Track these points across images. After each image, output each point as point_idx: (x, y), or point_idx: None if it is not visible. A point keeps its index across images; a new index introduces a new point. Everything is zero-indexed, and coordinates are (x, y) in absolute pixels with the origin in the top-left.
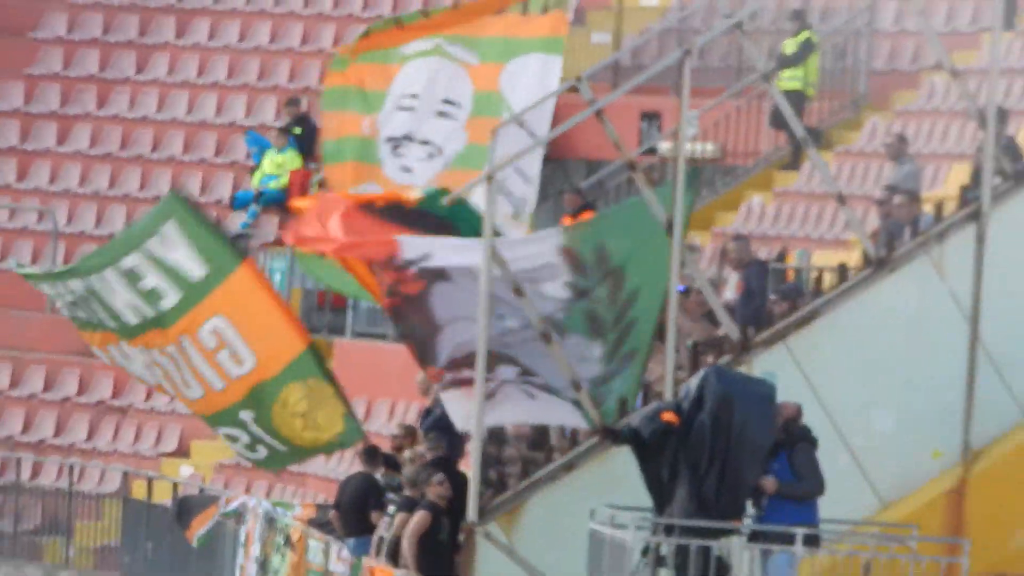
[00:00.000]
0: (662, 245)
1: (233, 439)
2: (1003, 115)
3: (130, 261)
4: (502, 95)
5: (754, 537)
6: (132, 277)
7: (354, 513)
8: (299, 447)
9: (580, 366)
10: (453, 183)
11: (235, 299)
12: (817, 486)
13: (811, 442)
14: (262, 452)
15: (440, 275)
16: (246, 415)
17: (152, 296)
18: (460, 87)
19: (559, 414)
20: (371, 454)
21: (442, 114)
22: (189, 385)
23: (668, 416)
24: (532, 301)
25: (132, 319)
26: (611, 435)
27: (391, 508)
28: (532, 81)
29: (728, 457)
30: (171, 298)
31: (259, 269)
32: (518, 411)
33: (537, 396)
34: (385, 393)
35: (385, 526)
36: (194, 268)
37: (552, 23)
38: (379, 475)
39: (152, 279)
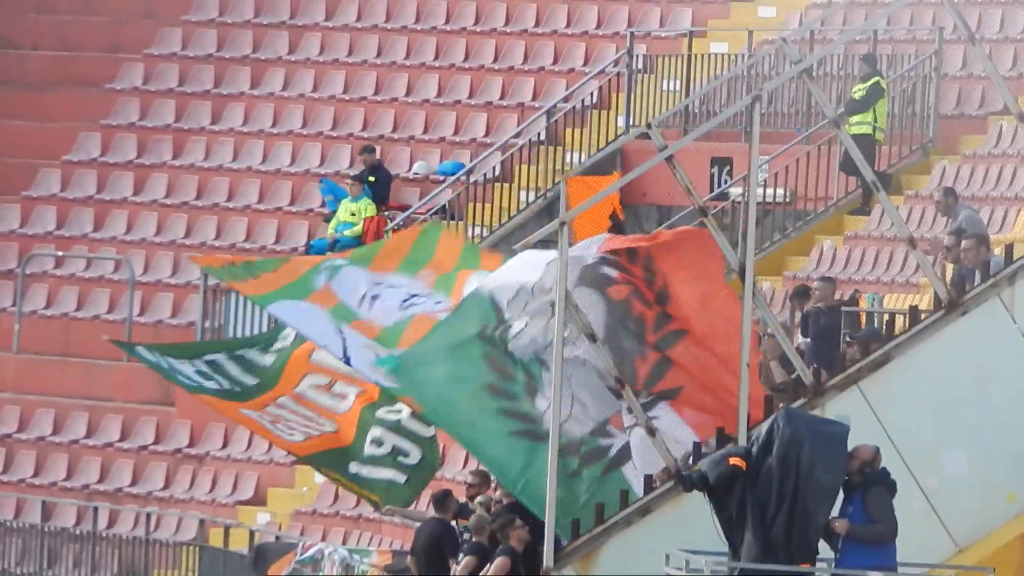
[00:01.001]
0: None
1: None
2: None
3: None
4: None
5: None
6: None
7: (428, 559)
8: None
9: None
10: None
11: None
12: (890, 529)
13: (887, 485)
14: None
15: None
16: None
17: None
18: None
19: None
20: (442, 499)
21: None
22: (320, 424)
23: (735, 460)
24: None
25: (250, 380)
26: (682, 480)
27: (460, 556)
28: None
29: (796, 498)
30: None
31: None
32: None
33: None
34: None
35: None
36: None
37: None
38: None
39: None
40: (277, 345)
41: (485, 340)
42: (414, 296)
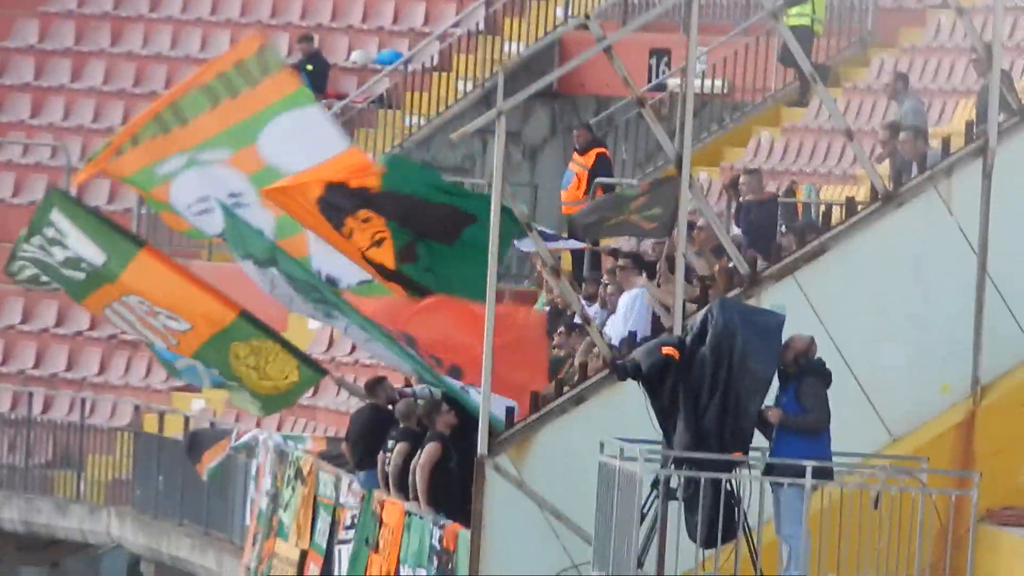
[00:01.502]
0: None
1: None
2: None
3: (34, 244)
4: (272, 166)
5: (766, 470)
6: (43, 252)
7: (363, 445)
8: (264, 395)
9: None
10: (290, 249)
11: (145, 282)
12: (822, 419)
13: (822, 375)
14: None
15: None
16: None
17: (71, 262)
18: (232, 181)
19: None
20: (374, 385)
21: (236, 206)
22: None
23: (668, 350)
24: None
25: (77, 275)
26: (616, 369)
27: (389, 443)
28: (299, 136)
29: (729, 387)
30: (86, 266)
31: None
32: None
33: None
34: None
35: (388, 461)
36: (95, 255)
37: (278, 84)
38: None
39: (60, 254)
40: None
41: None
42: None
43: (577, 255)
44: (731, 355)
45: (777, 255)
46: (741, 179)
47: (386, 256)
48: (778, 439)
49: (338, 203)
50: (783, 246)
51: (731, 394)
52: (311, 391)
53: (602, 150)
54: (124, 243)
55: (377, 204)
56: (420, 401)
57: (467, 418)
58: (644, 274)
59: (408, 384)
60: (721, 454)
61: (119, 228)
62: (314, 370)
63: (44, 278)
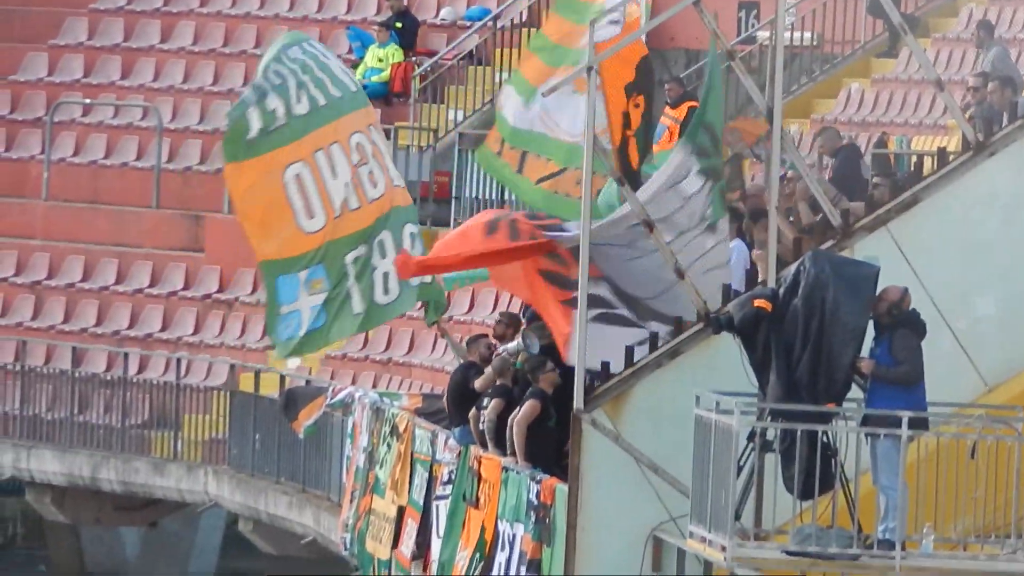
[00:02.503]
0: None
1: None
2: None
3: (293, 54)
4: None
5: (863, 421)
6: (304, 67)
7: (455, 402)
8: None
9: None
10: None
11: (369, 126)
12: (914, 371)
13: (916, 327)
14: (323, 318)
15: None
16: (355, 251)
17: (320, 82)
18: None
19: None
20: (472, 342)
21: None
22: (314, 214)
23: (760, 302)
24: (671, 205)
25: (304, 108)
26: (710, 322)
27: (484, 400)
28: None
29: (821, 339)
30: (334, 89)
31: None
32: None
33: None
34: (490, 283)
35: (481, 418)
36: (332, 88)
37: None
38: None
39: (316, 73)
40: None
41: None
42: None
43: None
44: (823, 307)
45: (870, 206)
46: (815, 140)
47: (634, 155)
48: (872, 390)
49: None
50: (875, 197)
51: (823, 346)
52: (407, 348)
53: (694, 103)
54: (359, 92)
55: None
56: (519, 358)
57: (569, 377)
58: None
59: (498, 337)
60: (814, 406)
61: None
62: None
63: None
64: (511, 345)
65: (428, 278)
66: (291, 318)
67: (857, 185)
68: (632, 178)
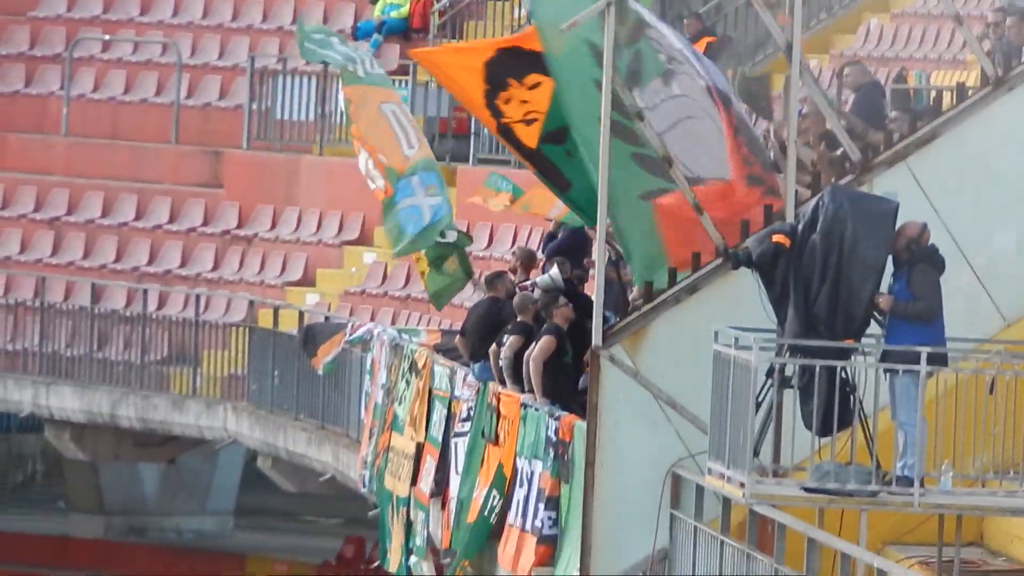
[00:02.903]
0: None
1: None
2: None
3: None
4: None
5: (882, 357)
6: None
7: (480, 337)
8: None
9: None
10: None
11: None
12: (932, 307)
13: (934, 262)
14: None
15: None
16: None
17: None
18: None
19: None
20: (493, 279)
21: None
22: (412, 144)
23: (778, 238)
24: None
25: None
26: (728, 258)
27: (504, 337)
28: None
29: (840, 274)
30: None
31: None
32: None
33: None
34: (509, 219)
35: (500, 353)
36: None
37: None
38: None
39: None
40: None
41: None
42: None
43: None
44: (841, 242)
45: (888, 141)
46: (845, 71)
47: (530, 136)
48: (890, 326)
49: (508, 67)
50: (894, 131)
51: (842, 281)
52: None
53: (712, 39)
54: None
55: (546, 70)
56: (538, 293)
57: (586, 311)
58: None
59: (512, 271)
60: (832, 341)
61: None
62: (467, 273)
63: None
64: (543, 278)
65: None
66: (412, 212)
67: (878, 121)
68: (532, 158)
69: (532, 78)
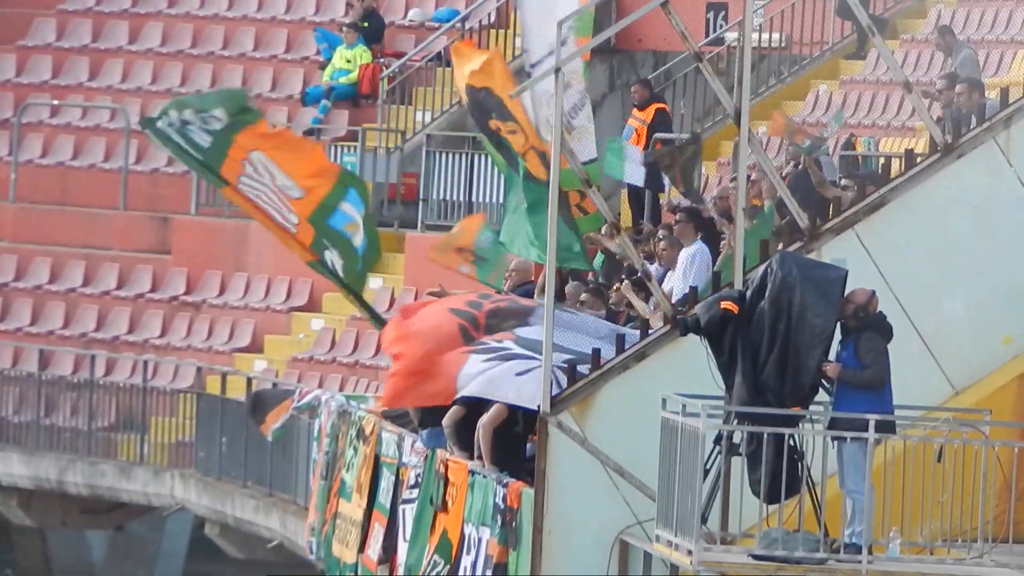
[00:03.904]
0: None
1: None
2: None
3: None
4: None
5: (830, 424)
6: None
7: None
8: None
9: None
10: None
11: (264, 140)
12: (879, 375)
13: (882, 330)
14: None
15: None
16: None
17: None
18: None
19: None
20: None
21: None
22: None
23: (726, 304)
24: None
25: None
26: (676, 324)
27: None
28: None
29: (788, 342)
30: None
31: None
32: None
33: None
34: (456, 284)
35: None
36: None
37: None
38: None
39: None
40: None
41: None
42: None
43: (636, 211)
44: (790, 309)
45: (837, 208)
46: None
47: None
48: (838, 394)
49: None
50: (842, 200)
51: (790, 348)
52: (374, 350)
53: (661, 105)
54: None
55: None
56: None
57: None
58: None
59: None
60: (779, 408)
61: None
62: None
63: (184, 145)
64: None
65: None
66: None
67: (811, 195)
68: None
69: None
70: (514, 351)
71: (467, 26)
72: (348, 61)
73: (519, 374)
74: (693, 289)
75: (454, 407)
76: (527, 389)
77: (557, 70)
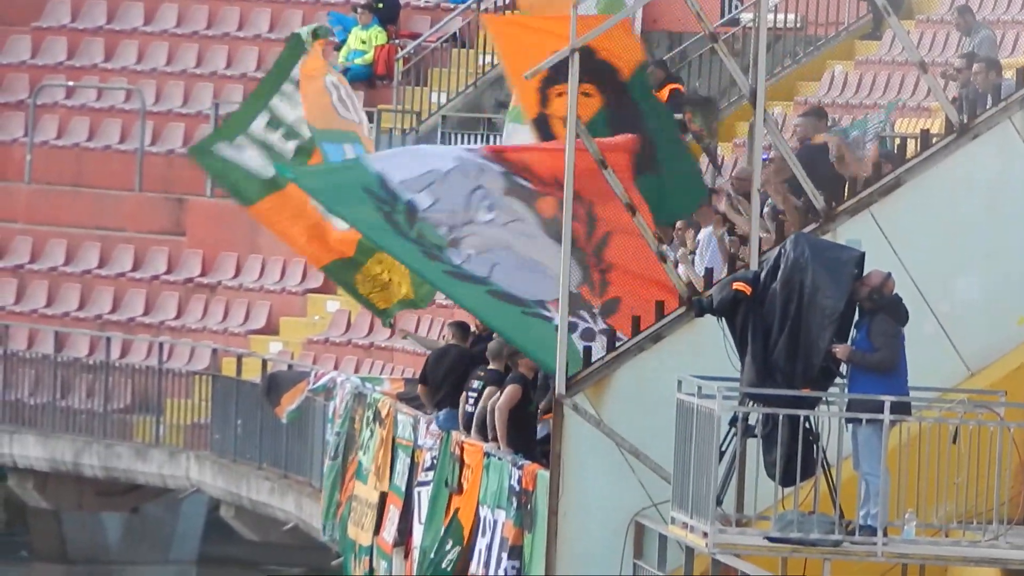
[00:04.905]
0: None
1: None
2: None
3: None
4: None
5: (847, 407)
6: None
7: (451, 386)
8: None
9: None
10: None
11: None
12: (889, 358)
13: (896, 312)
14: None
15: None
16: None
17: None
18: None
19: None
20: (461, 327)
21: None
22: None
23: (739, 285)
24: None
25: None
26: (692, 306)
27: (475, 383)
28: None
29: (799, 322)
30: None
31: None
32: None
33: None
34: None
35: (471, 401)
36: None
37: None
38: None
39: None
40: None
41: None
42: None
43: None
44: (801, 290)
45: (852, 189)
46: (796, 120)
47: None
48: (853, 376)
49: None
50: (858, 180)
51: (800, 329)
52: (388, 332)
53: (677, 86)
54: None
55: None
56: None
57: None
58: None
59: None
60: (789, 389)
61: None
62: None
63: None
64: None
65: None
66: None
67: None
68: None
69: (584, 87)
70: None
71: (482, 7)
72: (363, 42)
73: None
74: (709, 271)
75: (488, 387)
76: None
77: (572, 51)
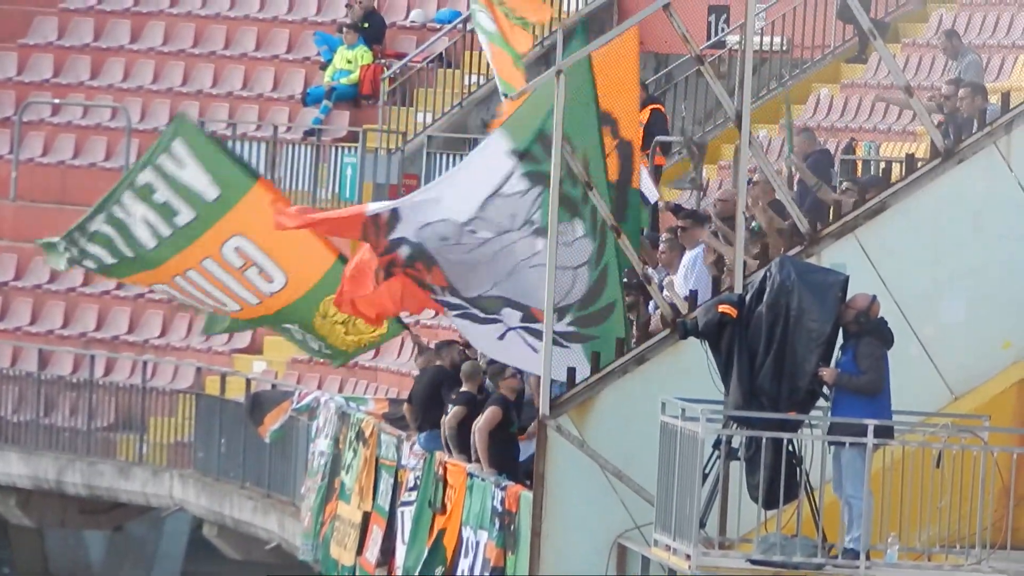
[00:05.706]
0: (589, 98)
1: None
2: None
3: (143, 178)
4: None
5: (829, 430)
6: (145, 192)
7: (425, 407)
8: (344, 351)
9: (569, 253)
10: None
11: (254, 218)
12: (875, 381)
13: (881, 335)
14: (315, 346)
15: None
16: (288, 324)
17: (166, 211)
18: None
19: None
20: (442, 347)
21: None
22: (224, 304)
23: (724, 308)
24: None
25: (150, 242)
26: (676, 328)
27: (449, 405)
28: None
29: (784, 345)
30: (185, 215)
31: (276, 188)
32: (521, 360)
33: (537, 348)
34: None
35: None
36: (207, 189)
37: None
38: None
39: (164, 194)
40: (179, 219)
41: None
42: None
43: None
44: (787, 313)
45: (837, 213)
46: (795, 140)
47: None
48: (836, 399)
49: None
50: (843, 204)
51: (786, 352)
52: (373, 352)
53: (657, 106)
54: (241, 177)
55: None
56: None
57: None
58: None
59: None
60: (774, 412)
61: (238, 160)
62: (399, 323)
63: (87, 262)
64: None
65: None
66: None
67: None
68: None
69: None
70: (470, 311)
71: (468, 27)
72: (349, 62)
73: (499, 338)
74: (693, 293)
75: (456, 408)
76: (515, 351)
77: (558, 72)
